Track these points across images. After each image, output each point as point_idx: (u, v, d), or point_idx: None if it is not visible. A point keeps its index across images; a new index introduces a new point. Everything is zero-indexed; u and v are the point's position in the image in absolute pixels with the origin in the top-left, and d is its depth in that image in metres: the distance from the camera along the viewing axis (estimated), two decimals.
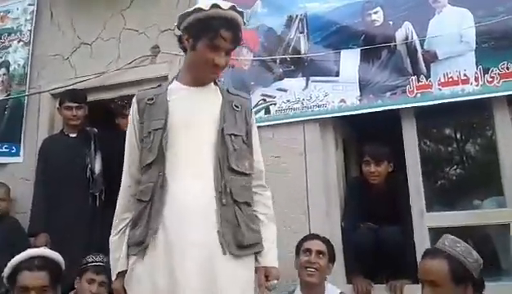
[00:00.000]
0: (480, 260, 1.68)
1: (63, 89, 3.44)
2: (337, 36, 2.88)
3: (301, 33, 2.98)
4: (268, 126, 2.95)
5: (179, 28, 1.71)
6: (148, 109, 1.68)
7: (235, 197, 1.61)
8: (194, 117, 1.66)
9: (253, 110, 2.95)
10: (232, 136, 1.65)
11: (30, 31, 3.85)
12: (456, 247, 1.66)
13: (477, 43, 2.56)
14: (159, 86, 1.79)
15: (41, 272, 1.82)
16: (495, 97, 2.53)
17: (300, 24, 2.99)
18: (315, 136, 2.88)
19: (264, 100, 2.99)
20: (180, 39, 1.71)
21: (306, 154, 2.86)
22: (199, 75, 1.70)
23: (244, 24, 1.70)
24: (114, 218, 1.72)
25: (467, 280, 1.62)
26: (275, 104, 2.96)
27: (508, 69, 2.48)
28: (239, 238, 1.58)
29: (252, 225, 1.65)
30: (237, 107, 1.72)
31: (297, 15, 2.99)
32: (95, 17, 3.62)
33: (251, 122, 1.78)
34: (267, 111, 2.97)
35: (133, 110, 1.73)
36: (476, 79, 2.53)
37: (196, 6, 1.63)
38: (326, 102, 2.84)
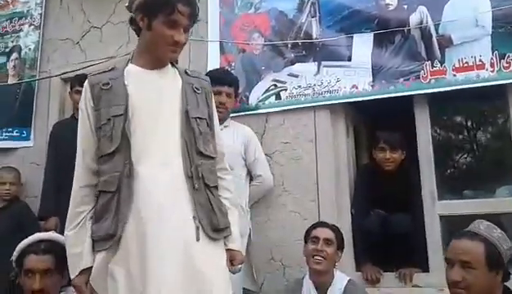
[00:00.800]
0: None
1: (73, 73, 3.44)
2: (349, 20, 2.83)
3: (313, 17, 2.93)
4: (279, 112, 2.92)
5: (130, 9, 1.63)
6: (104, 94, 1.59)
7: (207, 181, 1.60)
8: (155, 101, 1.60)
9: (264, 95, 2.97)
10: (197, 120, 1.62)
11: (41, 15, 3.85)
12: (493, 232, 1.63)
13: (493, 28, 2.49)
14: (112, 69, 1.67)
15: (46, 255, 1.83)
16: (511, 83, 2.47)
17: (312, 8, 2.94)
18: (326, 123, 2.84)
19: (275, 85, 2.96)
20: (132, 21, 1.64)
21: (316, 141, 2.83)
22: (158, 55, 1.63)
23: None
24: (69, 212, 1.62)
25: (499, 267, 1.58)
26: (286, 89, 2.93)
27: None
28: (214, 222, 1.58)
29: (222, 209, 1.65)
30: (198, 89, 1.68)
31: None
32: (104, 1, 3.59)
33: (212, 104, 1.74)
34: (278, 97, 2.94)
35: (86, 96, 1.62)
36: (492, 65, 2.47)
37: None
38: (338, 88, 2.80)
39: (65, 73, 3.58)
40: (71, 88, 3.28)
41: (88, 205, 1.60)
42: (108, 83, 1.60)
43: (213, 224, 1.58)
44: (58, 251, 1.81)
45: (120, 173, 1.52)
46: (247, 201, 2.66)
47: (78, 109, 3.17)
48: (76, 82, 3.22)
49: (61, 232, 2.63)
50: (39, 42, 3.79)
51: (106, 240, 1.51)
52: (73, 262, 1.57)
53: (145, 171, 1.52)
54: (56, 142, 3.24)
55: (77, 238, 1.57)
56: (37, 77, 3.72)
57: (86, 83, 1.65)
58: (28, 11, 3.94)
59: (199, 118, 1.63)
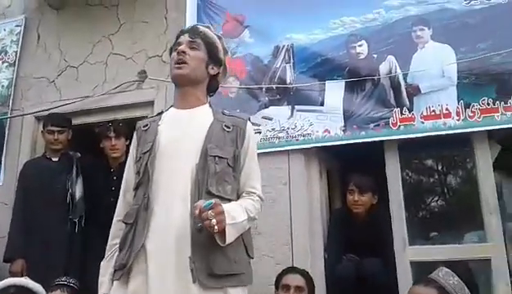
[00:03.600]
0: None
1: (47, 112, 3.41)
2: (322, 67, 2.93)
3: (287, 63, 3.01)
4: None
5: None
6: (143, 135, 1.71)
7: None
8: (178, 138, 1.63)
9: None
10: (216, 158, 1.59)
11: (16, 52, 3.83)
12: (449, 280, 1.65)
13: (458, 79, 2.61)
14: (158, 114, 1.81)
15: None
16: (476, 132, 2.57)
17: (286, 55, 3.03)
18: (300, 166, 2.88)
19: None
20: None
21: (290, 184, 2.85)
22: (173, 82, 1.76)
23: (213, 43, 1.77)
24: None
25: None
26: (260, 132, 2.97)
27: (488, 104, 2.53)
28: (210, 265, 1.47)
29: (230, 255, 1.52)
30: (228, 128, 1.66)
31: (283, 46, 3.04)
32: (82, 41, 3.62)
33: (245, 144, 1.67)
34: None
35: (134, 138, 1.77)
36: (458, 114, 2.57)
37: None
38: (311, 132, 2.85)
39: (38, 112, 3.55)
40: (44, 127, 3.24)
41: (119, 238, 1.65)
42: (147, 125, 1.73)
43: (208, 268, 1.47)
44: None
45: (139, 206, 1.58)
46: None
47: (50, 149, 3.19)
48: (49, 121, 3.19)
49: (28, 275, 2.57)
50: (13, 79, 3.76)
51: (120, 270, 1.55)
52: (98, 290, 1.64)
53: (159, 205, 1.55)
54: (25, 181, 3.16)
55: (105, 268, 1.65)
56: (9, 115, 3.67)
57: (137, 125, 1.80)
58: (3, 47, 3.92)
59: (218, 156, 1.59)
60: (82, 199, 3.08)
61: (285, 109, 2.95)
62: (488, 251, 2.47)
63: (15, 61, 3.81)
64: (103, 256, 1.71)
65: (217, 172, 1.58)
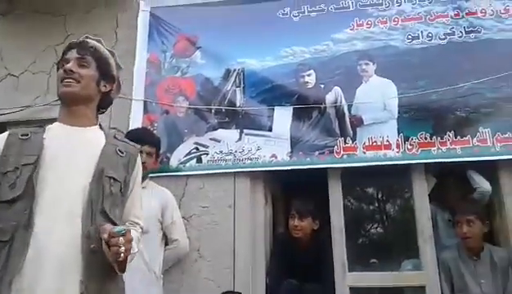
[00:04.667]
0: None
1: None
2: (271, 93, 2.98)
3: (237, 86, 3.04)
4: (199, 175, 2.92)
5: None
6: (19, 143, 1.53)
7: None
8: (69, 155, 1.54)
9: (186, 158, 2.97)
10: (111, 180, 1.54)
11: None
12: None
13: (399, 112, 2.75)
14: (39, 126, 1.63)
15: None
16: (413, 164, 2.70)
17: (237, 78, 3.06)
18: (245, 189, 2.88)
19: (197, 148, 2.98)
20: None
21: (235, 207, 2.84)
22: (60, 99, 1.63)
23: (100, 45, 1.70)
24: None
25: None
26: (207, 153, 2.96)
27: (426, 138, 2.68)
28: (104, 292, 1.44)
29: (118, 281, 1.52)
30: (121, 152, 1.62)
31: (235, 69, 3.07)
32: (26, 49, 3.46)
33: (134, 174, 1.66)
34: (199, 160, 2.95)
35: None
36: (397, 146, 2.70)
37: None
38: (258, 156, 2.88)
39: None
40: None
41: None
42: (27, 134, 1.56)
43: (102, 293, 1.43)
44: None
45: (17, 222, 1.41)
46: (161, 266, 2.55)
47: None
48: None
49: None
50: None
51: None
52: None
53: (42, 224, 1.42)
54: None
55: None
56: None
57: (5, 132, 1.58)
58: None
59: (113, 178, 1.56)
60: None
61: (233, 132, 2.97)
62: (423, 279, 2.58)
63: None
64: None
65: (112, 194, 1.54)
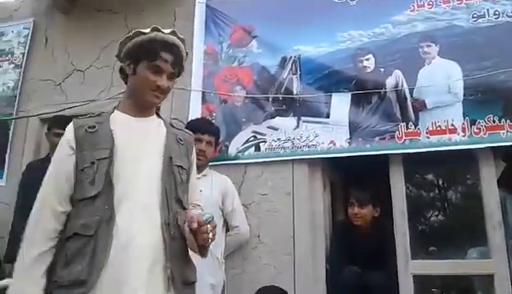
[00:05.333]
0: None
1: (52, 114, 3.41)
2: (329, 79, 2.95)
3: (294, 74, 3.04)
4: (257, 163, 2.96)
5: (120, 59, 1.67)
6: (89, 137, 1.55)
7: (183, 231, 1.55)
8: (139, 145, 1.58)
9: (244, 146, 3.01)
10: (179, 168, 1.62)
11: (23, 54, 3.86)
12: None
13: (464, 95, 2.63)
14: (98, 115, 1.64)
15: None
16: (481, 148, 2.59)
17: (293, 66, 3.05)
18: (303, 176, 2.88)
19: (255, 136, 3.01)
20: (121, 70, 1.68)
21: (294, 194, 2.85)
22: (141, 100, 1.63)
23: (187, 53, 1.69)
24: (23, 256, 1.49)
25: None
26: (265, 141, 2.98)
27: (494, 121, 2.55)
28: (186, 275, 1.55)
29: (192, 264, 1.63)
30: (181, 141, 1.69)
31: (291, 57, 3.06)
32: (90, 45, 3.64)
33: (192, 159, 1.73)
34: (257, 148, 2.99)
35: (68, 138, 1.56)
36: (463, 130, 2.59)
37: (136, 30, 1.61)
38: (316, 143, 2.86)
39: (43, 114, 3.55)
40: (49, 129, 3.23)
41: (51, 252, 1.50)
42: (94, 126, 1.57)
43: (184, 277, 1.53)
44: None
45: (100, 217, 1.47)
46: (222, 252, 2.62)
47: (54, 151, 3.16)
48: (54, 123, 3.18)
49: None
50: (19, 81, 3.78)
51: (75, 286, 1.40)
52: None
53: (123, 217, 1.48)
54: (27, 182, 3.14)
55: (30, 277, 1.47)
56: (14, 116, 3.67)
57: (70, 125, 1.60)
58: (9, 49, 3.95)
59: (181, 167, 1.63)
60: None
61: (291, 120, 2.97)
62: (491, 267, 2.48)
63: (21, 63, 3.83)
64: None
65: (183, 182, 1.62)
